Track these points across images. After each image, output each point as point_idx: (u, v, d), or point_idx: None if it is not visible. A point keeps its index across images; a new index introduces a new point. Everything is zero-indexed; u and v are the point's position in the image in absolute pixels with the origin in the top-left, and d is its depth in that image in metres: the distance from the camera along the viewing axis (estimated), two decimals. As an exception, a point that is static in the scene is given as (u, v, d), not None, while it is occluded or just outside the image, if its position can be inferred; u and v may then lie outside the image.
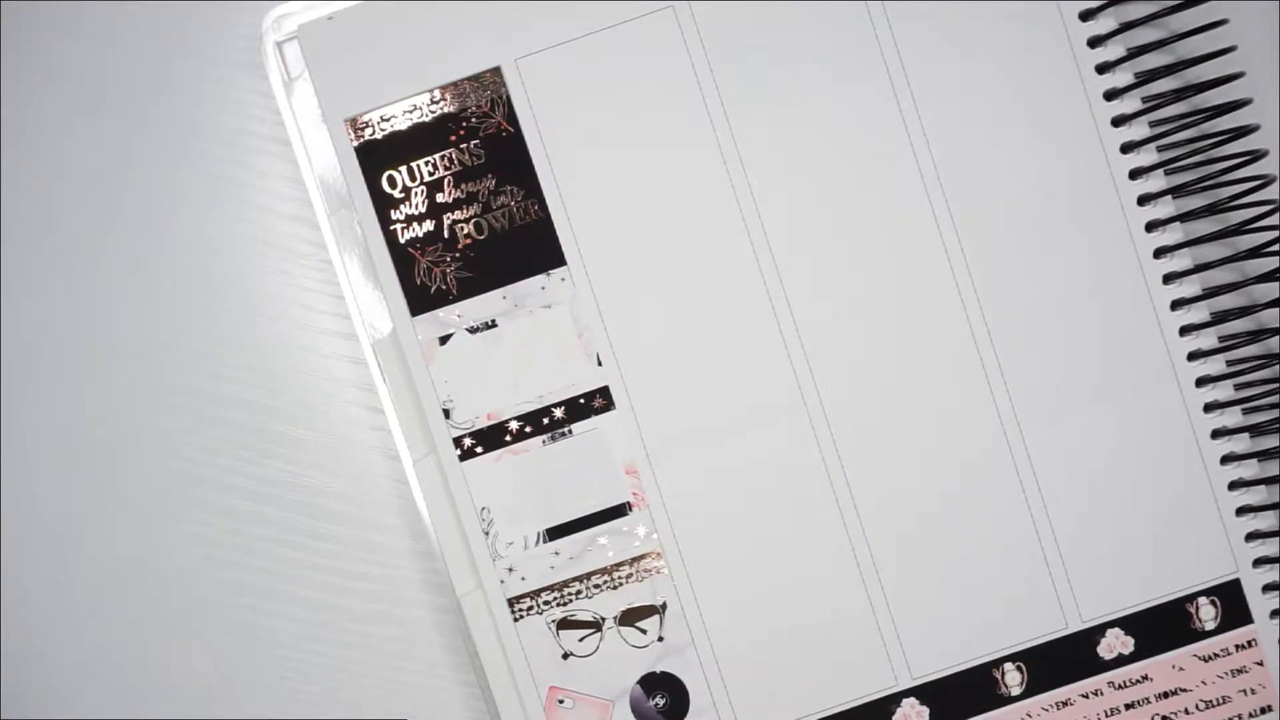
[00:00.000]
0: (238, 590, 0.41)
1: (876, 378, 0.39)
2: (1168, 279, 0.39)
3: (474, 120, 0.38)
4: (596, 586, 0.39)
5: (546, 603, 0.39)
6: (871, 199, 0.39)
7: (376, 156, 0.38)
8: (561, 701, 0.39)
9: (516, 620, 0.39)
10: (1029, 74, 0.39)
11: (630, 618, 0.39)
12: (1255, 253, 0.39)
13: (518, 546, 0.39)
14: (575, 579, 0.39)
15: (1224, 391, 0.39)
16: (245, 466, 0.41)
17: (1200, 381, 0.39)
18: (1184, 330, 0.39)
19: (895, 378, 0.39)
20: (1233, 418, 0.39)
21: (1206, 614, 0.39)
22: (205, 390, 0.41)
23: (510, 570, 0.39)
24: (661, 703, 0.39)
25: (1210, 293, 0.39)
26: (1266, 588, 0.39)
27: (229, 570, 0.41)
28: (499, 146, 0.38)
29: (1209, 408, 0.39)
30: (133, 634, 0.41)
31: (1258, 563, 0.39)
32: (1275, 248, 0.39)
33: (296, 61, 0.39)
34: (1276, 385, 0.39)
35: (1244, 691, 0.39)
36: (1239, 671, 0.39)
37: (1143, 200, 0.39)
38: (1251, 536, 0.39)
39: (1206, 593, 0.39)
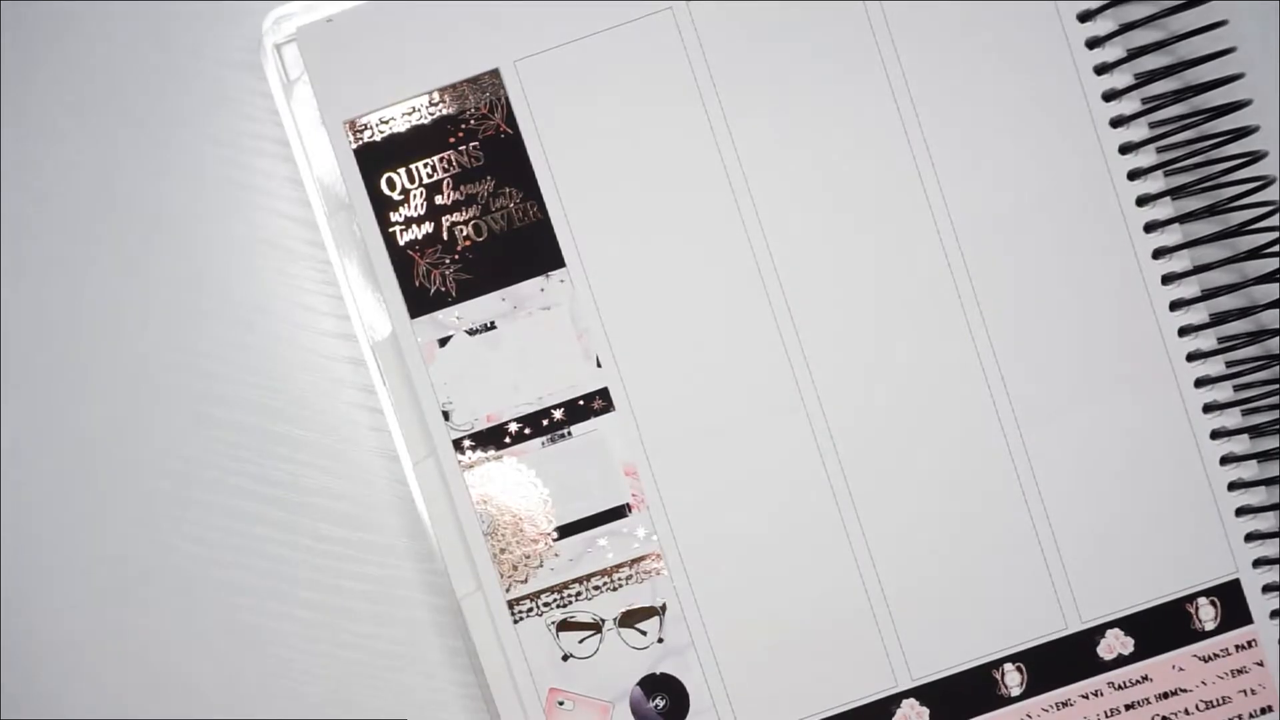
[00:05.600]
0: (238, 590, 0.41)
1: (876, 379, 0.39)
2: (1166, 280, 0.39)
3: (473, 122, 0.38)
4: (596, 588, 0.39)
5: (546, 604, 0.39)
6: (871, 201, 0.39)
7: (375, 158, 0.38)
8: (561, 703, 0.39)
9: (516, 622, 0.39)
10: (1028, 75, 0.39)
11: (630, 619, 0.39)
12: (1255, 254, 0.39)
13: (517, 548, 0.39)
14: (575, 580, 0.39)
15: (1223, 393, 0.39)
16: (245, 466, 0.41)
17: (1199, 382, 0.39)
18: (1183, 331, 0.39)
19: (895, 378, 0.39)
20: (1232, 419, 0.39)
21: (1206, 614, 0.39)
22: (205, 390, 0.41)
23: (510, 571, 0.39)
24: (661, 704, 0.39)
25: (1209, 294, 0.39)
26: (1266, 588, 0.39)
27: (229, 570, 0.41)
28: (498, 148, 0.38)
29: (1208, 408, 0.39)
30: (132, 634, 0.41)
31: (1257, 563, 0.39)
32: (1275, 249, 0.38)
33: (295, 63, 0.39)
34: (1276, 386, 0.39)
35: (1244, 692, 0.39)
36: (1239, 672, 0.39)
37: (1141, 201, 0.39)
38: (1251, 537, 0.39)
39: (1206, 593, 0.39)
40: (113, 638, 0.41)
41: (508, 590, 0.39)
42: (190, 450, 0.41)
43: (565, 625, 0.39)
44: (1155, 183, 0.39)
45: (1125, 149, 0.39)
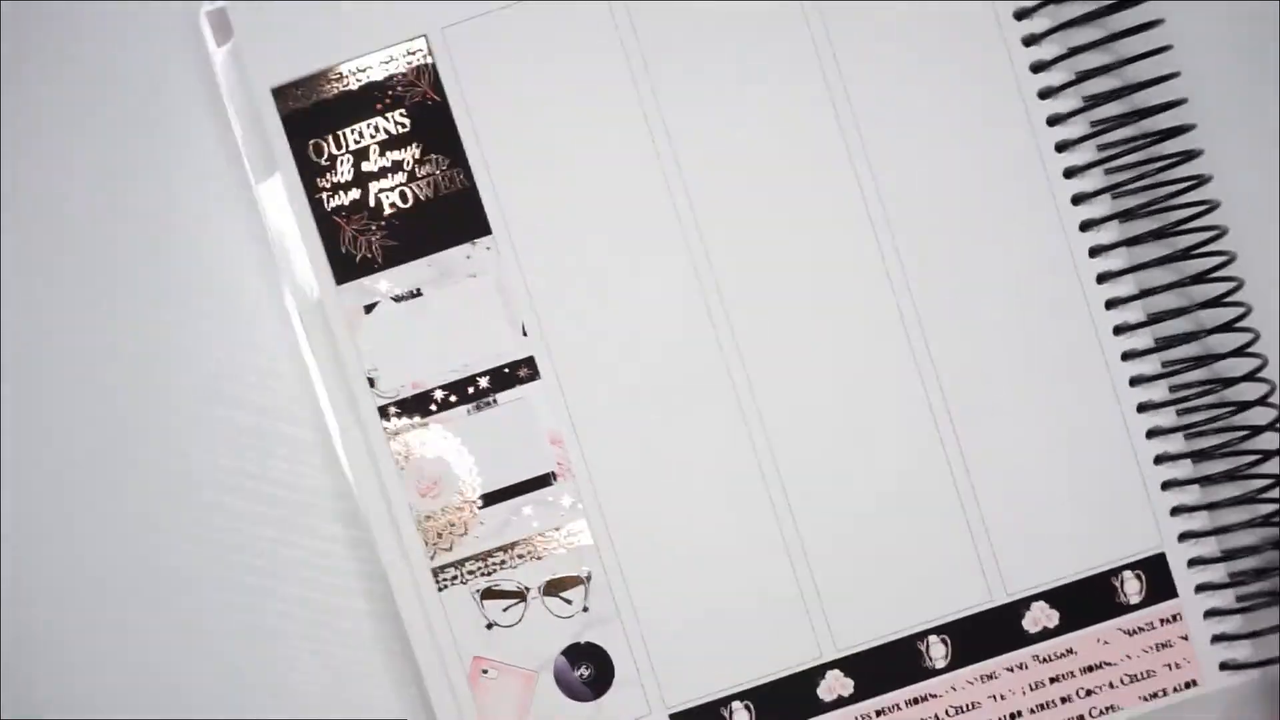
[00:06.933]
0: (238, 590, 0.40)
1: (805, 355, 0.39)
2: (1102, 278, 0.39)
3: (400, 89, 0.38)
4: (521, 556, 0.39)
5: (471, 572, 0.39)
6: (803, 189, 0.38)
7: (303, 124, 0.38)
8: (485, 671, 0.39)
9: (441, 590, 0.39)
10: (964, 72, 0.38)
11: (554, 588, 0.39)
12: (1191, 253, 0.38)
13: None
14: (499, 548, 0.39)
15: (1158, 392, 0.39)
16: (245, 466, 0.40)
17: (1134, 381, 0.39)
18: (1118, 330, 0.39)
19: (824, 355, 0.39)
20: (1167, 418, 0.39)
21: (1131, 588, 0.39)
22: (205, 390, 0.40)
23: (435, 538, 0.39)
24: (586, 673, 0.39)
25: (1146, 293, 0.39)
26: (1191, 562, 0.39)
27: (229, 570, 0.40)
28: (425, 115, 0.38)
29: (1143, 408, 0.39)
30: (132, 634, 0.41)
31: (1183, 537, 0.39)
32: (1212, 247, 0.38)
33: (224, 29, 0.39)
34: (1211, 386, 0.39)
35: (1169, 665, 0.40)
36: (1164, 645, 0.40)
37: (1077, 200, 0.39)
38: (1177, 511, 0.39)
39: (1132, 566, 0.39)
40: (113, 637, 0.41)
41: (432, 558, 0.39)
42: (189, 449, 0.40)
43: (489, 593, 0.39)
44: (1092, 180, 0.39)
45: (1061, 146, 0.39)
